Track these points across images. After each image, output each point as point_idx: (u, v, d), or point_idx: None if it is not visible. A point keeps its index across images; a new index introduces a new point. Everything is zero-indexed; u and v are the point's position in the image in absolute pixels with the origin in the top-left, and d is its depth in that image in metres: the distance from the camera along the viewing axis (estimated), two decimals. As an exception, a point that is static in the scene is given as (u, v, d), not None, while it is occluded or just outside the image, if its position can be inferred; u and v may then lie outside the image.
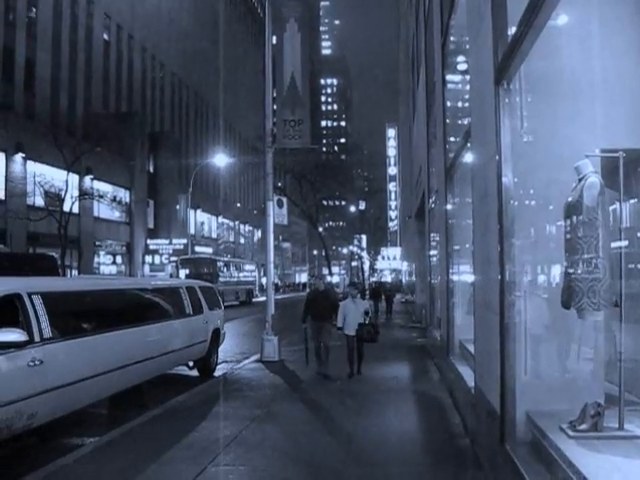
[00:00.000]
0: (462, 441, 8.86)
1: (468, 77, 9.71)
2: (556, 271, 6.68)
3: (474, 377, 8.83)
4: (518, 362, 6.31)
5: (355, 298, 14.87)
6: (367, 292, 39.05)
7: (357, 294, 15.25)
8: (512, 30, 6.09)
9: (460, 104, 12.86)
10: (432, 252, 21.52)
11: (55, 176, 40.19)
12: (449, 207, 13.78)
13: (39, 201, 40.59)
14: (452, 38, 13.30)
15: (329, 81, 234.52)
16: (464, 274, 12.82)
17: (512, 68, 6.14)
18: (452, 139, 13.39)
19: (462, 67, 11.71)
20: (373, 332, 14.58)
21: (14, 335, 7.55)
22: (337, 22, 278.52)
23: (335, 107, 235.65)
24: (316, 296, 15.16)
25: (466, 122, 10.20)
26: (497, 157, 6.44)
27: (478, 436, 8.24)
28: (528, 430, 6.09)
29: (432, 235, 21.18)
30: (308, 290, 20.26)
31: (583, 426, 5.38)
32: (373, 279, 77.65)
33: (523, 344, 6.40)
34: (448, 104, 13.84)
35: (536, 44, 5.56)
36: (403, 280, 75.65)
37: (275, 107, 18.93)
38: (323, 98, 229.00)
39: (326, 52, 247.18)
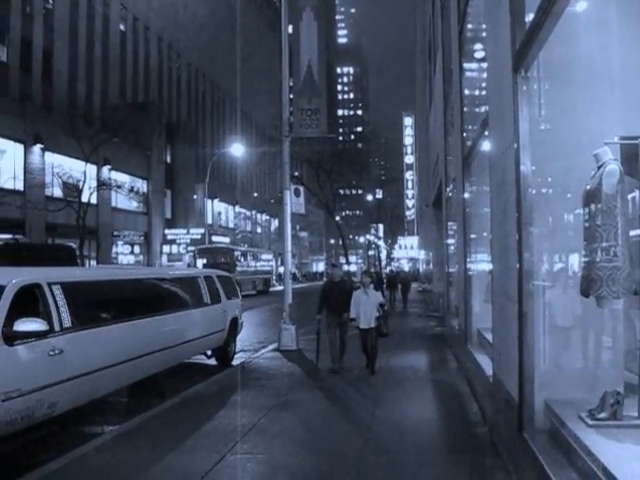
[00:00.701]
0: (480, 429, 8.85)
1: (485, 65, 9.66)
2: (575, 259, 6.65)
3: (492, 366, 8.82)
4: (537, 350, 6.29)
5: (367, 288, 13.54)
6: (384, 282, 38.96)
7: (369, 283, 13.83)
8: (530, 17, 6.04)
9: (478, 92, 12.78)
10: (449, 241, 21.47)
11: (73, 167, 40.45)
12: (467, 195, 13.74)
13: (57, 192, 40.92)
14: (469, 25, 13.23)
15: (345, 70, 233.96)
16: (482, 262, 12.80)
17: (530, 55, 6.10)
18: (469, 127, 13.33)
19: (479, 55, 11.64)
20: (382, 326, 13.50)
21: (35, 325, 7.61)
22: (353, 10, 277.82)
23: (351, 96, 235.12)
24: (332, 287, 14.11)
25: (484, 110, 10.14)
26: (515, 145, 6.40)
27: (496, 425, 8.23)
28: (547, 419, 6.08)
29: (449, 224, 21.12)
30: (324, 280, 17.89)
31: (602, 415, 5.36)
32: (389, 268, 77.14)
33: (542, 332, 6.38)
34: (465, 92, 13.78)
35: (554, 31, 5.51)
36: (420, 269, 75.54)
37: (292, 96, 18.91)
38: (339, 87, 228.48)
39: (342, 41, 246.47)
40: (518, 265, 6.39)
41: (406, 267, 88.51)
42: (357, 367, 13.92)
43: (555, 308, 6.59)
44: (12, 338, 7.36)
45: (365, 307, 13.28)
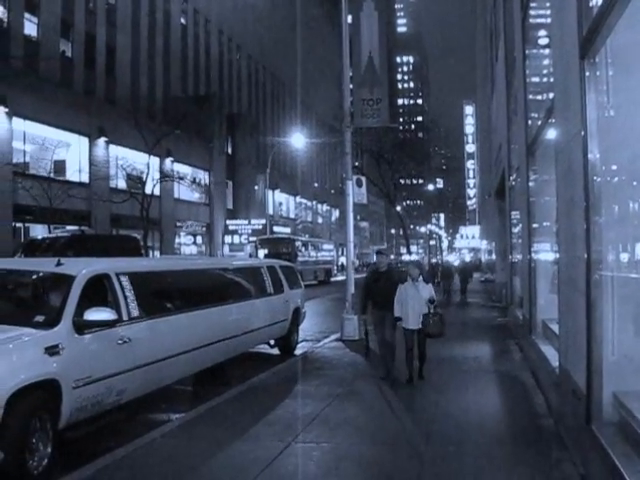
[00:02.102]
0: (546, 421, 8.74)
1: (550, 51, 9.50)
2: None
3: (558, 357, 8.70)
4: (605, 341, 6.19)
5: (416, 280, 11.56)
6: (438, 273, 38.48)
7: (419, 275, 11.72)
8: (597, 1, 5.93)
9: (542, 79, 12.58)
10: (513, 230, 21.22)
11: (136, 159, 41.18)
12: (531, 184, 13.55)
13: (121, 184, 41.71)
14: (533, 12, 13.02)
15: (405, 59, 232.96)
16: (546, 252, 12.61)
17: (598, 42, 5.98)
18: (534, 115, 13.13)
19: (544, 41, 11.45)
20: (441, 324, 11.46)
21: (104, 314, 7.78)
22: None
23: (412, 85, 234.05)
24: (377, 277, 12.16)
25: (548, 97, 9.98)
26: (582, 133, 6.30)
27: (562, 417, 8.13)
28: (615, 411, 5.98)
29: (513, 213, 20.87)
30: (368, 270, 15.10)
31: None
32: (434, 259, 76.03)
33: (610, 323, 6.27)
34: (529, 79, 13.57)
35: (624, 15, 5.39)
36: (482, 259, 74.81)
37: (352, 86, 18.88)
38: (399, 76, 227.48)
39: (402, 30, 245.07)
40: (586, 255, 6.30)
41: (467, 257, 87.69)
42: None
43: (624, 298, 6.46)
44: (82, 327, 7.55)
45: (414, 303, 11.38)
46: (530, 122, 13.41)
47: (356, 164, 50.46)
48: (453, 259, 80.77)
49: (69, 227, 30.17)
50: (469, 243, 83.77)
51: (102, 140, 41.08)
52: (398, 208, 54.73)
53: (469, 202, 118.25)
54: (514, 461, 7.26)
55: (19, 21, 38.52)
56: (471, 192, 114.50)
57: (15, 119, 33.42)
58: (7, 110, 32.27)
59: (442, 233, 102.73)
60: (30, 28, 39.66)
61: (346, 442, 7.94)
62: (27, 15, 39.40)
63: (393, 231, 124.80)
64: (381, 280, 12.02)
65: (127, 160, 40.97)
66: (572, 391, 7.10)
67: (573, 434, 7.21)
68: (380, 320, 11.95)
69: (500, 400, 10.50)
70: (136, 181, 39.93)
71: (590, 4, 6.34)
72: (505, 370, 12.96)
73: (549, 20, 9.45)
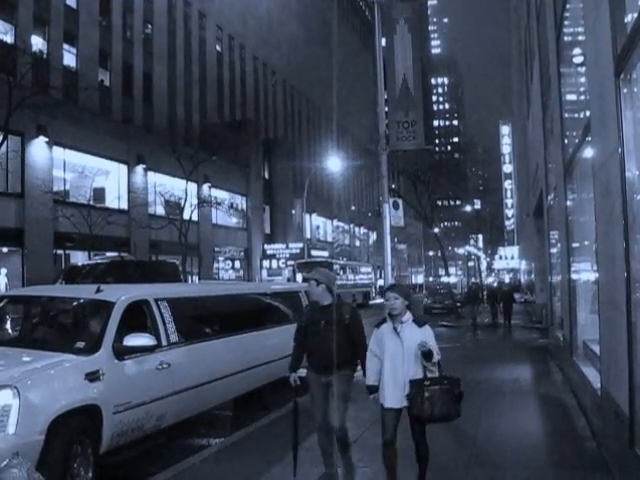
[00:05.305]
0: (589, 444, 8.59)
1: (585, 69, 9.45)
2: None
3: (600, 378, 8.58)
4: (648, 362, 6.09)
5: (401, 321, 6.57)
6: (483, 296, 37.68)
7: (404, 310, 6.59)
8: (631, 17, 5.89)
9: (578, 97, 12.51)
10: (552, 250, 21.02)
11: (174, 185, 41.57)
12: (569, 204, 13.44)
13: (160, 210, 42.09)
14: (567, 30, 12.97)
15: (440, 80, 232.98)
16: (586, 272, 12.47)
17: (633, 58, 5.94)
18: (570, 134, 13.04)
19: (578, 59, 11.40)
20: (448, 398, 6.36)
21: (144, 339, 7.86)
22: (445, 20, 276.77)
23: (447, 106, 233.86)
24: (313, 317, 7.42)
25: (585, 116, 9.92)
26: (620, 150, 6.24)
27: (605, 439, 7.99)
28: (660, 433, 5.88)
29: (551, 233, 20.69)
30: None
31: None
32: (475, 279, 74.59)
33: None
34: (565, 98, 13.50)
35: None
36: (522, 279, 74.04)
37: (387, 109, 18.91)
38: (434, 97, 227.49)
39: (436, 51, 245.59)
40: (626, 274, 6.22)
41: (506, 278, 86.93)
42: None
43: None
44: (122, 353, 7.62)
45: (395, 362, 6.54)
46: (567, 141, 13.32)
47: (393, 186, 50.43)
48: (492, 280, 79.98)
49: (109, 253, 30.46)
50: (508, 264, 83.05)
51: (140, 167, 41.54)
52: (436, 230, 54.42)
53: (507, 222, 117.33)
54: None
55: (58, 52, 39.40)
56: (509, 212, 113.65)
57: (55, 148, 33.96)
58: (47, 139, 32.83)
59: (480, 254, 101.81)
60: (69, 59, 40.57)
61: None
62: (66, 46, 40.32)
63: (431, 253, 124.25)
64: (320, 322, 7.28)
65: (165, 186, 41.37)
66: (614, 413, 6.98)
67: (617, 457, 7.08)
68: (320, 390, 7.50)
69: (542, 423, 10.34)
70: (174, 207, 40.29)
71: (625, 20, 6.30)
72: (546, 392, 12.79)
73: (583, 38, 9.41)
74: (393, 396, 6.54)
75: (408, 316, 6.60)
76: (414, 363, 6.43)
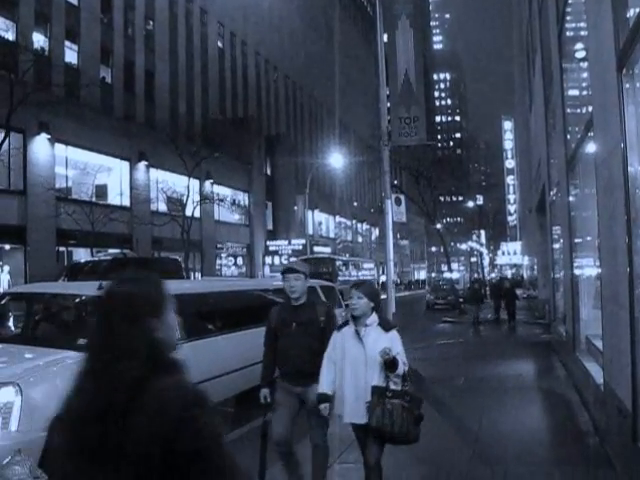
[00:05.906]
0: (591, 440, 8.60)
1: (587, 64, 9.43)
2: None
3: (603, 374, 8.56)
4: (650, 357, 6.08)
5: (365, 324, 5.77)
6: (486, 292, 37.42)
7: (370, 311, 5.79)
8: (633, 12, 5.87)
9: (580, 93, 12.48)
10: (554, 246, 20.99)
11: (177, 182, 41.54)
12: (571, 199, 13.41)
13: (162, 207, 42.08)
14: (569, 25, 12.94)
15: (442, 76, 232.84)
16: (589, 267, 12.45)
17: (635, 53, 5.92)
18: (573, 129, 13.01)
19: (581, 54, 11.36)
20: (411, 419, 5.58)
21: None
22: (447, 16, 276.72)
23: (449, 102, 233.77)
24: (285, 318, 6.46)
25: (587, 111, 9.90)
26: (622, 145, 6.22)
27: (608, 435, 7.98)
28: (663, 428, 5.87)
29: (554, 228, 20.65)
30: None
31: None
32: (478, 275, 74.44)
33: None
34: (567, 93, 13.46)
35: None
36: (524, 275, 74.01)
37: (389, 105, 18.87)
38: (436, 93, 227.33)
39: (437, 47, 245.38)
40: (628, 269, 6.20)
41: (508, 273, 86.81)
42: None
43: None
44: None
45: (355, 370, 5.72)
46: (569, 136, 13.29)
47: (395, 182, 50.41)
48: (494, 276, 79.89)
49: (111, 250, 30.45)
50: (511, 259, 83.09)
51: (142, 164, 41.59)
52: (438, 226, 54.29)
53: (510, 218, 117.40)
54: (560, 480, 7.15)
55: (60, 49, 39.42)
56: (511, 208, 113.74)
57: (57, 145, 33.98)
58: (49, 137, 32.84)
59: (483, 250, 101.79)
60: (71, 56, 40.58)
61: (390, 463, 7.85)
62: (67, 43, 40.35)
63: (434, 249, 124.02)
64: (291, 324, 6.37)
65: (167, 183, 41.40)
66: (617, 408, 6.97)
67: (620, 453, 7.07)
68: (289, 401, 6.46)
69: (545, 418, 10.35)
70: (176, 204, 40.28)
71: (627, 15, 6.28)
72: (549, 387, 12.79)
73: (585, 33, 9.38)
74: (354, 410, 5.68)
75: (373, 319, 5.75)
76: (379, 373, 5.54)
